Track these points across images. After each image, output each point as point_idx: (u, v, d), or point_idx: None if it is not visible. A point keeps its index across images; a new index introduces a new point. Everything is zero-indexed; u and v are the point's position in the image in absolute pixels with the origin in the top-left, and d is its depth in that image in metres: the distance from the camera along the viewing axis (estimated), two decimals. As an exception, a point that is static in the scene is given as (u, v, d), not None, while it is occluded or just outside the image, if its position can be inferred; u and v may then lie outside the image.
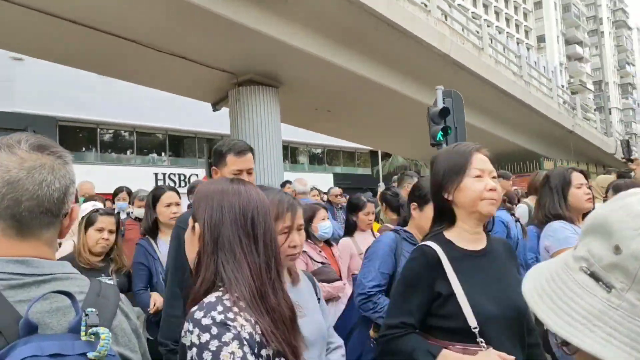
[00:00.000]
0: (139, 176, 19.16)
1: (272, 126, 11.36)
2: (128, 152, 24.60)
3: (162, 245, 3.39)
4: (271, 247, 1.34)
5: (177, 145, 26.33)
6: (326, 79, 11.36)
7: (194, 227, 1.36)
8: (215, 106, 13.13)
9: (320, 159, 34.16)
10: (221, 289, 1.26)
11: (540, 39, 63.63)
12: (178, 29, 9.06)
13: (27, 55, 12.27)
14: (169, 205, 3.56)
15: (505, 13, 58.32)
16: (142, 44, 9.60)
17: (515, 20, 60.21)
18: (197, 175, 22.42)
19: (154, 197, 3.63)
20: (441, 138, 9.55)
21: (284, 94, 11.69)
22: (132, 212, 5.22)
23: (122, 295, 1.16)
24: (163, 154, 25.64)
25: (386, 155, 32.32)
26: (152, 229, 3.57)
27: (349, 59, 10.86)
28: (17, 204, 0.98)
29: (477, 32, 13.99)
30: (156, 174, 23.13)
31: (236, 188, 1.38)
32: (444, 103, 9.76)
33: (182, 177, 24.07)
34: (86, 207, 3.83)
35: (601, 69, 34.96)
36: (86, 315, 0.94)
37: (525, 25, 62.15)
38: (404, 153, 25.26)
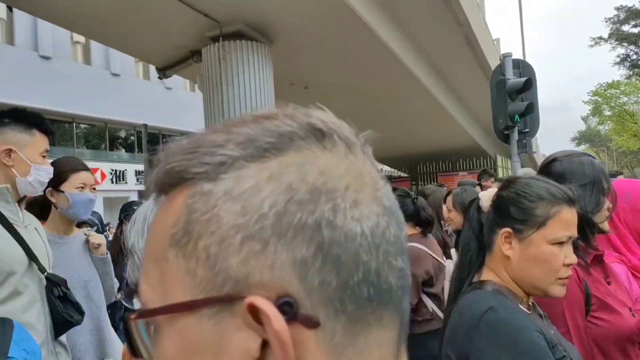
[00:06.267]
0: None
1: (266, 98, 8.30)
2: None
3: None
4: None
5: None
6: (327, 30, 8.51)
7: None
8: (165, 72, 9.59)
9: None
10: None
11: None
12: None
13: None
14: None
15: None
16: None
17: None
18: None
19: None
20: (519, 120, 7.40)
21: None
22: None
23: None
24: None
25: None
26: None
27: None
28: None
29: None
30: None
31: None
32: (513, 75, 7.62)
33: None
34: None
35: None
36: None
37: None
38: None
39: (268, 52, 8.41)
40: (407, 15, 9.02)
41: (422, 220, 3.25)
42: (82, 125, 20.56)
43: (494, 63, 12.05)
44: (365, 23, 8.19)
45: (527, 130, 7.58)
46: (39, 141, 1.99)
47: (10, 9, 9.92)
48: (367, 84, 11.23)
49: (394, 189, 3.29)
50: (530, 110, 7.27)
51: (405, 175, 21.68)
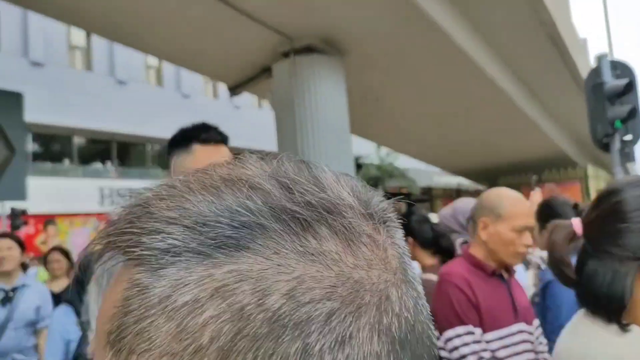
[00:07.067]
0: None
1: (339, 112, 7.96)
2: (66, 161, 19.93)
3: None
4: None
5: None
6: (402, 37, 8.07)
7: None
8: (235, 90, 9.49)
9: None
10: None
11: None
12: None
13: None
14: None
15: None
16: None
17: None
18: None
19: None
20: (620, 126, 6.66)
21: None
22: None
23: None
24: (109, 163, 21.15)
25: (357, 166, 29.58)
26: None
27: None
28: None
29: None
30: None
31: None
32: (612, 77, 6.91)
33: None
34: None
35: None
36: None
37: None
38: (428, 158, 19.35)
39: (340, 65, 8.11)
40: (486, 17, 8.46)
41: (441, 248, 2.84)
42: (156, 147, 21.10)
43: (582, 64, 11.20)
44: (440, 28, 7.73)
45: (629, 137, 6.83)
46: (199, 155, 1.65)
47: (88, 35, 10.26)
48: (442, 92, 10.68)
49: (411, 213, 2.73)
50: (633, 115, 6.54)
51: (485, 188, 20.66)
